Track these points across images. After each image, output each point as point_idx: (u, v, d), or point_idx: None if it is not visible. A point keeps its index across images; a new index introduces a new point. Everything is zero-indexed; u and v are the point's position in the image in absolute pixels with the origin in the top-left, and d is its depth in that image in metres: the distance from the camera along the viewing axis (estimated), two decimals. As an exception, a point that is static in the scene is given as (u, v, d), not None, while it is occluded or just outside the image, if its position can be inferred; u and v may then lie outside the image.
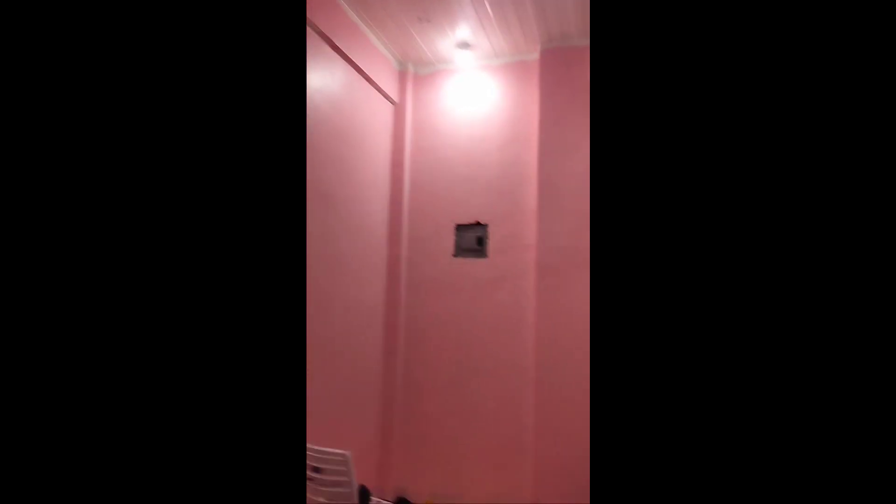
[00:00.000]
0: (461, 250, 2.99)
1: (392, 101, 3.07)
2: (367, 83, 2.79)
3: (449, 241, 3.01)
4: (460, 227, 3.00)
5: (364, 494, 1.68)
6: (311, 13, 2.24)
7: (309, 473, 1.64)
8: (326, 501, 1.65)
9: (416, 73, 3.19)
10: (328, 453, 1.64)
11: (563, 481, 2.56)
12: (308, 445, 1.60)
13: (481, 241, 2.95)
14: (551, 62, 2.83)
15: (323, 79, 2.42)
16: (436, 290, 3.00)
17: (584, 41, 2.78)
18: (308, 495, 1.65)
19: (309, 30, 2.26)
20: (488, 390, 2.85)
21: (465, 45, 2.87)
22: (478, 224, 2.97)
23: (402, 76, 3.13)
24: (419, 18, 2.63)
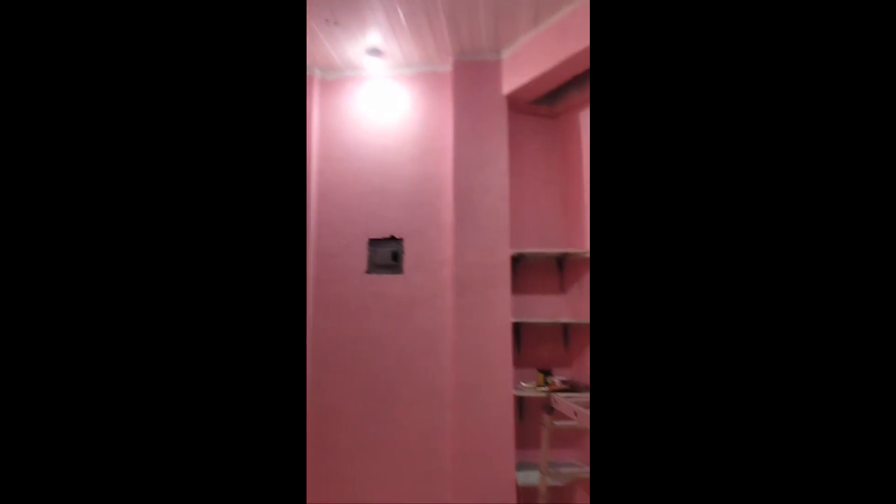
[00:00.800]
0: (375, 266, 2.84)
1: (297, 107, 2.85)
2: (268, 86, 2.56)
3: (361, 256, 2.85)
4: (374, 242, 2.86)
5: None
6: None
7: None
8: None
9: (324, 78, 3.01)
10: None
11: (486, 503, 2.50)
12: None
13: (396, 257, 2.83)
14: (464, 75, 2.80)
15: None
16: (347, 310, 2.82)
17: (496, 56, 2.78)
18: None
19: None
20: (405, 417, 2.72)
21: (375, 51, 2.75)
22: (392, 239, 2.85)
23: (307, 81, 2.93)
24: (326, 20, 2.46)
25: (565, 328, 2.83)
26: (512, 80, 2.70)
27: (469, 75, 2.80)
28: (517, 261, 2.79)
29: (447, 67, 2.89)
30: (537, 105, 2.91)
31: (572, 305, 2.83)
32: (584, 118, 2.79)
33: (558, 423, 2.04)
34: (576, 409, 1.69)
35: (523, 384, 2.69)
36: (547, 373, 2.69)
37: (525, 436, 2.71)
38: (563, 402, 1.84)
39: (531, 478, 2.52)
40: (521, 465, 2.64)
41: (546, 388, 2.59)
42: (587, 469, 2.51)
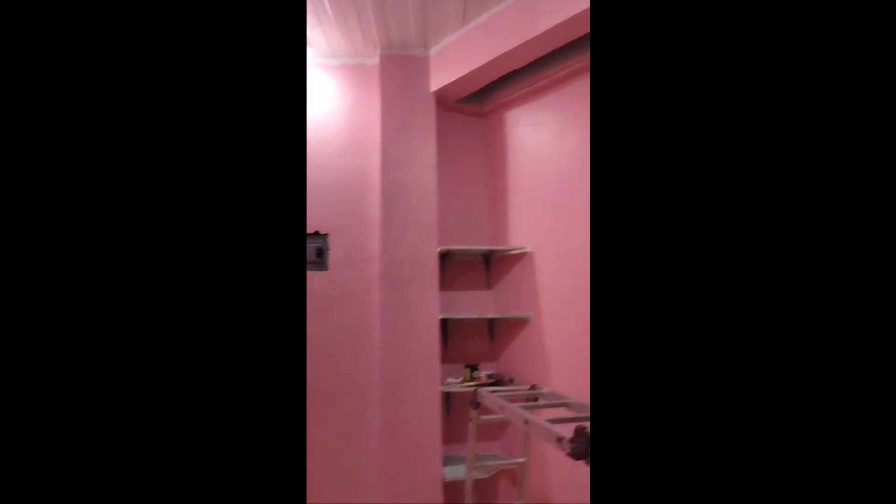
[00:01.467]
0: (298, 263, 2.73)
1: (212, 93, 2.67)
2: (180, 69, 2.37)
3: (284, 253, 2.73)
4: (297, 238, 2.75)
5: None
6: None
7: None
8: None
9: (242, 63, 2.84)
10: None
11: (413, 499, 2.50)
12: None
13: (321, 253, 2.74)
14: (392, 69, 2.76)
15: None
16: (269, 307, 2.69)
17: (424, 52, 2.77)
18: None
19: None
20: (329, 415, 2.65)
21: (299, 39, 2.64)
22: (317, 234, 2.76)
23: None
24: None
25: (491, 323, 2.89)
26: (440, 77, 2.70)
27: (397, 70, 2.76)
28: (445, 257, 2.81)
29: (374, 60, 2.83)
30: (465, 103, 2.93)
31: (498, 301, 2.90)
32: (511, 117, 2.85)
33: (485, 417, 2.08)
34: (502, 404, 1.73)
35: (450, 379, 2.71)
36: (474, 367, 2.74)
37: (452, 431, 2.74)
38: (490, 396, 1.87)
39: (458, 472, 2.55)
40: (448, 460, 2.66)
41: (473, 383, 2.63)
42: (511, 460, 2.59)
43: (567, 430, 1.25)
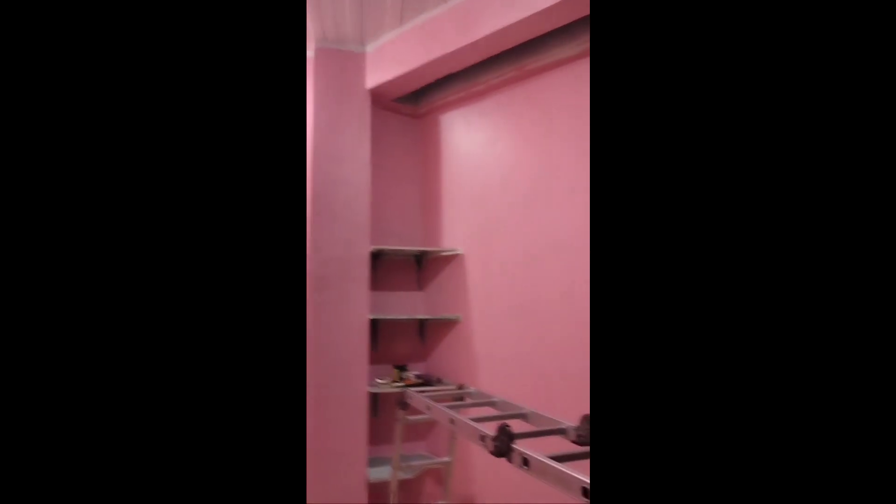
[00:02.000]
0: (220, 259, 2.60)
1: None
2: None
3: (205, 248, 2.59)
4: (220, 233, 2.61)
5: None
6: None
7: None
8: None
9: (163, 45, 2.66)
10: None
11: (337, 500, 2.46)
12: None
13: (246, 250, 2.62)
14: (326, 63, 2.70)
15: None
16: (187, 305, 2.54)
17: (360, 48, 2.73)
18: None
19: None
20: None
21: (228, 24, 2.51)
22: (241, 230, 2.63)
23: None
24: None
25: (422, 324, 2.90)
26: (376, 75, 2.68)
27: (332, 64, 2.70)
28: (376, 257, 2.78)
29: (309, 53, 2.75)
30: (402, 103, 2.92)
31: (429, 302, 2.91)
32: (446, 120, 2.88)
33: (412, 417, 2.08)
34: (428, 404, 1.74)
35: (378, 380, 2.69)
36: (402, 368, 2.73)
37: (379, 432, 2.72)
38: (417, 396, 1.88)
39: (383, 473, 2.53)
40: (374, 461, 2.64)
41: (401, 384, 2.62)
42: (436, 460, 2.61)
43: (491, 429, 1.28)
